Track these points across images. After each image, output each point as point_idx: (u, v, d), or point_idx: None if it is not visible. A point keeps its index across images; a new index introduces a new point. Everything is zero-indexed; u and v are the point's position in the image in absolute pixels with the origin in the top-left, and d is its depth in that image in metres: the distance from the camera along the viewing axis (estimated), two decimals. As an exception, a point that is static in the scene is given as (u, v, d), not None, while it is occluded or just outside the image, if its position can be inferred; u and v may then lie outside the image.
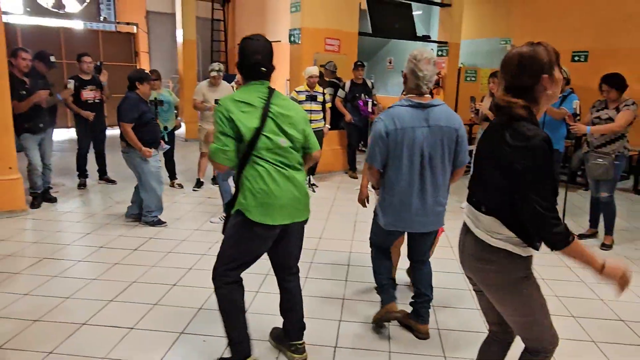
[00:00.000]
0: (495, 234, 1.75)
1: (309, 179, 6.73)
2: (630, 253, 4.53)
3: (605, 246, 4.67)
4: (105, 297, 3.31)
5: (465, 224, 1.95)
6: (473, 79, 9.98)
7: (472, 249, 1.88)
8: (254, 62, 2.33)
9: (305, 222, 2.53)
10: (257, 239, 2.37)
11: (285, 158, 2.35)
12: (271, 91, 2.37)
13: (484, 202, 1.81)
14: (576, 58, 8.98)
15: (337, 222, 5.19)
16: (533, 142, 1.61)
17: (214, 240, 4.42)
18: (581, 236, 4.80)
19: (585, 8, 8.91)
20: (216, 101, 5.89)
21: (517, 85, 1.75)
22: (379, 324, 3.01)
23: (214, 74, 6.04)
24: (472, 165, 2.00)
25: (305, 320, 2.64)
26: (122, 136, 4.61)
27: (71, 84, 5.96)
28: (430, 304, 2.96)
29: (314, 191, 6.53)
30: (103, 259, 3.99)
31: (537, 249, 1.74)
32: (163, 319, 3.05)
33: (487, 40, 10.86)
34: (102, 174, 6.61)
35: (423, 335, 2.92)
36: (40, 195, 5.41)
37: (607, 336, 2.98)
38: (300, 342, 2.61)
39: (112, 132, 7.15)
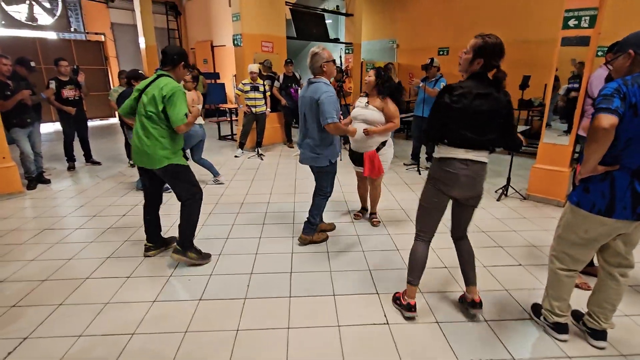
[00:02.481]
0: (487, 157, 2.03)
1: (257, 150, 6.53)
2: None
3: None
4: (102, 255, 3.02)
5: (466, 161, 1.98)
6: (380, 69, 10.13)
7: (479, 172, 2.02)
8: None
9: (162, 169, 2.65)
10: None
11: (143, 122, 2.59)
12: (158, 77, 2.60)
13: (494, 143, 2.00)
14: (441, 52, 9.26)
15: (282, 181, 5.09)
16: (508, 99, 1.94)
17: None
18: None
19: (446, 16, 9.16)
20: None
21: (498, 64, 1.91)
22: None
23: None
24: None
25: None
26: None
27: (53, 84, 5.24)
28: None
29: (262, 159, 6.33)
30: (97, 225, 3.62)
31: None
32: (153, 267, 2.85)
33: (379, 41, 10.90)
34: (88, 158, 5.94)
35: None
36: (35, 178, 4.75)
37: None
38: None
39: (93, 123, 6.40)
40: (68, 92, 5.37)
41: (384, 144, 3.30)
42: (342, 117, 2.96)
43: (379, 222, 3.64)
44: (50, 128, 9.24)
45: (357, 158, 3.38)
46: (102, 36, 11.31)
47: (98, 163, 5.94)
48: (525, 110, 7.24)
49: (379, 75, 3.24)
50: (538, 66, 6.58)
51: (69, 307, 2.35)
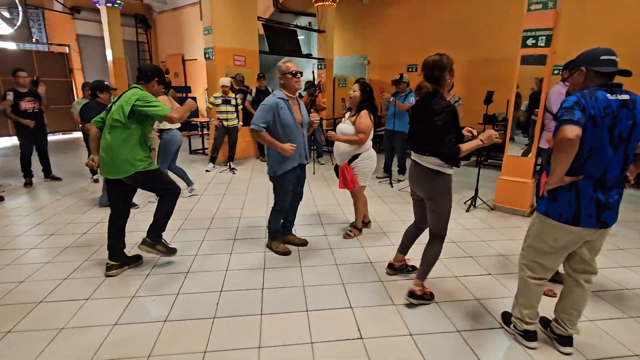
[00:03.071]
0: (432, 164, 2.26)
1: (229, 164, 6.41)
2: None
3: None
4: (59, 276, 2.81)
5: (413, 161, 2.39)
6: (343, 85, 10.24)
7: (421, 174, 2.34)
8: None
9: (130, 177, 2.67)
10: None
11: (110, 132, 2.64)
12: (129, 89, 2.70)
13: (427, 149, 2.25)
14: (410, 69, 9.56)
15: (254, 195, 5.00)
16: (445, 108, 2.12)
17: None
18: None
19: (415, 34, 9.50)
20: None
21: (430, 76, 2.21)
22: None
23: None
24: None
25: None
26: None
27: (10, 95, 4.96)
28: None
29: (234, 173, 6.22)
30: (55, 244, 3.38)
31: (458, 167, 2.23)
32: (115, 288, 2.68)
33: (351, 58, 11.12)
34: (47, 173, 5.61)
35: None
36: (-14, 196, 4.45)
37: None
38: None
39: (55, 137, 6.08)
40: (26, 104, 5.10)
41: (355, 156, 3.32)
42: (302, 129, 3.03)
43: (351, 237, 3.58)
44: (6, 142, 8.72)
45: (336, 171, 3.43)
46: (67, 48, 10.92)
47: (58, 179, 5.62)
48: (490, 125, 7.54)
49: (364, 90, 3.26)
50: (501, 83, 6.90)
51: (18, 334, 2.15)
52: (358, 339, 2.14)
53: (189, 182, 4.83)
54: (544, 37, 3.88)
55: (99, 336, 2.14)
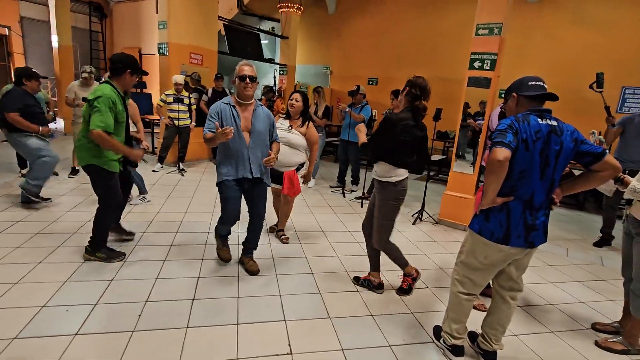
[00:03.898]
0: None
1: (179, 165, 6.12)
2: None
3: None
4: (-44, 281, 2.47)
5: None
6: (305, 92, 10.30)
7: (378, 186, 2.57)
8: None
9: (84, 168, 2.77)
10: None
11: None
12: (100, 84, 2.70)
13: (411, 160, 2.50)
14: (370, 82, 9.76)
15: (201, 199, 4.78)
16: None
17: (87, 219, 3.68)
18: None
19: (376, 49, 9.73)
20: (84, 99, 4.95)
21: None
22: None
23: (84, 75, 5.04)
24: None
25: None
26: (3, 124, 3.77)
27: None
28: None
29: (182, 175, 5.94)
30: (-41, 244, 3.00)
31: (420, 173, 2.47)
32: (25, 295, 2.38)
33: (314, 66, 11.19)
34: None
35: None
36: None
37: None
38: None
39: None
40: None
41: (302, 165, 3.27)
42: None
43: (288, 239, 3.61)
44: None
45: (276, 176, 3.29)
46: (7, 29, 10.02)
47: (-21, 172, 5.05)
48: (441, 141, 7.84)
49: (305, 99, 3.25)
50: (454, 102, 7.21)
51: None
52: (287, 354, 2.05)
53: (143, 190, 4.45)
54: (489, 61, 4.08)
55: (-9, 352, 1.87)
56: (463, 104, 4.39)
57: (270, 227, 3.81)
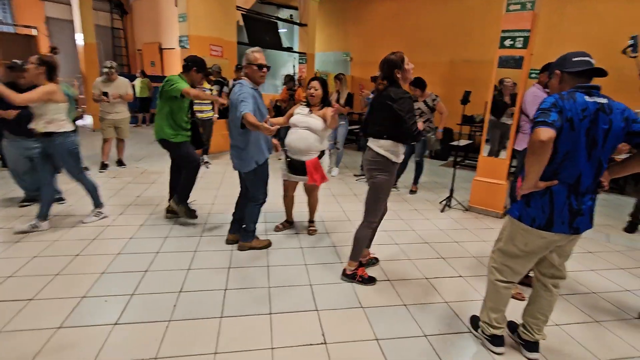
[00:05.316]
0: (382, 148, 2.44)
1: (203, 157, 6.20)
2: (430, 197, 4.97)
3: (411, 192, 5.08)
4: (4, 273, 2.59)
5: (368, 146, 2.54)
6: (323, 77, 10.20)
7: (370, 156, 2.51)
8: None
9: (160, 142, 3.43)
10: None
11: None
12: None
13: (385, 132, 2.42)
14: (392, 67, 9.52)
15: (227, 190, 4.83)
16: (404, 94, 2.33)
17: (119, 212, 3.79)
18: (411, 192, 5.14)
19: (398, 32, 9.47)
20: (105, 93, 5.07)
21: (384, 74, 2.41)
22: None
23: (105, 70, 5.19)
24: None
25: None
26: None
27: None
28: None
29: (207, 167, 6.02)
30: None
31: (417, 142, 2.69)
32: (64, 287, 2.48)
33: (333, 53, 11.02)
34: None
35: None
36: None
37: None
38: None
39: None
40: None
41: (323, 152, 3.23)
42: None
43: (316, 230, 3.58)
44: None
45: (297, 167, 3.23)
46: (34, 30, 10.34)
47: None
48: (468, 126, 7.60)
49: (324, 85, 3.19)
50: (481, 85, 6.94)
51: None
52: (322, 344, 2.05)
53: (98, 203, 3.65)
54: (522, 39, 3.87)
55: (39, 341, 1.95)
56: (493, 86, 4.21)
57: (276, 227, 3.60)
